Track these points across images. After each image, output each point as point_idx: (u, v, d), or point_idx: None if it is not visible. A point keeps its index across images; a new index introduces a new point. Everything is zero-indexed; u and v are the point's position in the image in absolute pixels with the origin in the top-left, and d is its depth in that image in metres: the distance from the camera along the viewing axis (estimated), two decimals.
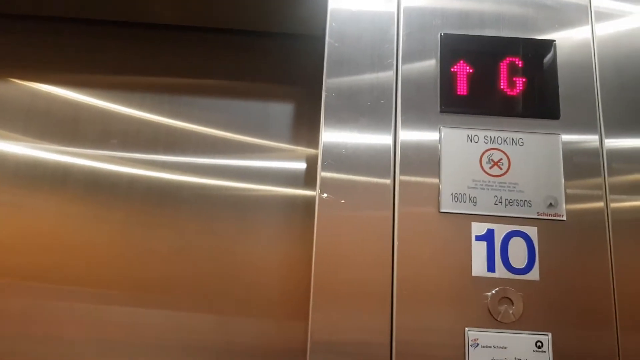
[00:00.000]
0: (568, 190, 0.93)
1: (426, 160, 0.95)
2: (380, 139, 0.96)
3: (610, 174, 0.95)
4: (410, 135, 0.96)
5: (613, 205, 0.93)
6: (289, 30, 1.25)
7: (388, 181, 0.94)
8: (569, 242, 0.91)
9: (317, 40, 1.07)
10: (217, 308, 1.14)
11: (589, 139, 0.96)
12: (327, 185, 0.93)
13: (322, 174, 0.93)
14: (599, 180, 0.94)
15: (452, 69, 0.99)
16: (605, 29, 1.03)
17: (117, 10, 1.26)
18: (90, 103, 1.28)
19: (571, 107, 0.98)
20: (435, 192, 0.93)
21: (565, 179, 0.94)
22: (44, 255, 1.17)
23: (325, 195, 0.92)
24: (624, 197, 0.94)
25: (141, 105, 1.28)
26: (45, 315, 1.14)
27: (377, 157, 0.95)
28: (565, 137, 0.96)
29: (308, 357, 0.87)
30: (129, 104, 1.28)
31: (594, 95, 0.99)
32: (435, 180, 0.93)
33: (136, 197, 1.21)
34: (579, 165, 0.95)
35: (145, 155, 1.24)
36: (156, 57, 1.32)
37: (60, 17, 1.31)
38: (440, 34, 1.01)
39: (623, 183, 0.95)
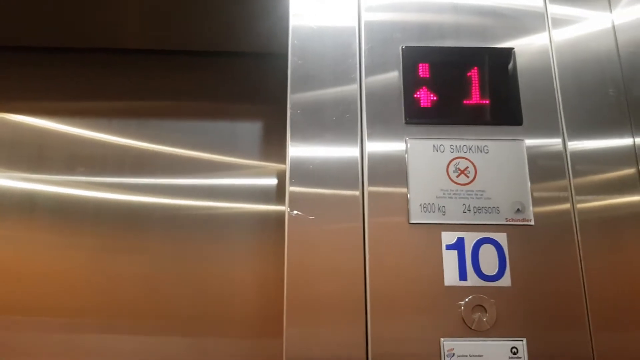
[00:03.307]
0: (535, 193, 0.95)
1: (394, 171, 0.95)
2: (347, 152, 0.96)
3: (575, 176, 0.97)
4: (377, 146, 0.96)
5: (579, 205, 0.95)
6: (251, 49, 1.26)
7: (357, 192, 0.94)
8: (539, 246, 0.92)
9: (280, 57, 1.07)
10: (190, 330, 1.14)
11: (553, 142, 0.98)
12: (296, 199, 0.93)
13: (290, 188, 0.93)
14: (564, 182, 0.96)
15: (415, 81, 1.00)
16: (562, 35, 1.05)
17: (80, 37, 1.26)
18: (56, 129, 1.26)
19: (534, 112, 0.99)
20: (404, 202, 0.93)
21: (532, 182, 0.95)
22: (13, 284, 1.15)
23: (295, 212, 0.92)
24: (589, 197, 0.95)
25: (108, 128, 1.27)
26: (16, 346, 1.12)
27: (344, 169, 0.95)
28: (529, 142, 0.97)
29: None
30: (96, 129, 1.27)
31: (555, 99, 1.01)
32: (404, 190, 0.94)
33: (106, 221, 1.20)
34: (544, 168, 0.96)
35: (114, 179, 1.23)
36: (121, 81, 1.32)
37: (24, 46, 1.31)
38: (402, 47, 1.02)
39: (588, 184, 0.96)
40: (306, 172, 0.94)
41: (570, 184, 0.96)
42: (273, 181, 1.25)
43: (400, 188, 0.94)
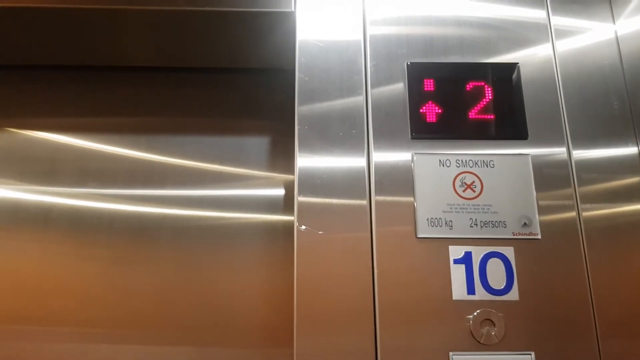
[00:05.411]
0: (540, 202, 0.95)
1: (401, 182, 0.96)
2: (354, 162, 0.97)
3: (580, 184, 0.97)
4: (383, 158, 0.97)
5: (585, 214, 0.95)
6: (259, 65, 1.27)
7: (364, 202, 0.95)
8: (545, 259, 0.92)
9: (287, 73, 1.08)
10: (200, 340, 1.14)
11: (557, 152, 0.99)
12: (304, 209, 0.94)
13: (299, 198, 0.95)
14: (570, 190, 0.97)
15: (420, 97, 1.01)
16: (565, 46, 1.06)
17: (92, 55, 1.27)
18: (69, 144, 1.28)
19: (538, 125, 1.00)
20: (411, 212, 0.94)
21: (537, 191, 0.96)
22: (28, 297, 1.17)
23: (303, 227, 0.93)
24: (595, 205, 0.96)
25: (119, 143, 1.29)
26: (28, 357, 1.13)
27: (352, 179, 0.96)
28: (535, 152, 0.98)
29: None
30: (108, 143, 1.29)
31: (559, 110, 1.01)
32: (411, 199, 0.95)
33: (117, 232, 1.21)
34: (550, 177, 0.97)
35: (125, 191, 1.25)
36: (132, 98, 1.33)
37: (37, 64, 1.32)
38: (407, 63, 1.03)
39: (593, 192, 0.97)
40: (314, 183, 0.95)
41: (575, 192, 0.97)
42: (281, 191, 1.26)
43: (407, 198, 0.95)
